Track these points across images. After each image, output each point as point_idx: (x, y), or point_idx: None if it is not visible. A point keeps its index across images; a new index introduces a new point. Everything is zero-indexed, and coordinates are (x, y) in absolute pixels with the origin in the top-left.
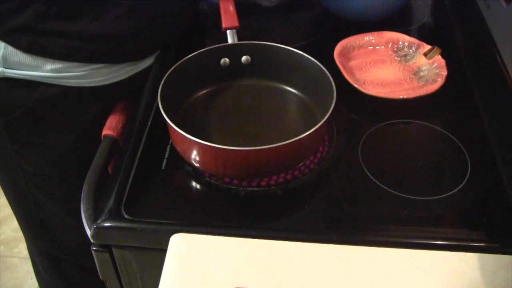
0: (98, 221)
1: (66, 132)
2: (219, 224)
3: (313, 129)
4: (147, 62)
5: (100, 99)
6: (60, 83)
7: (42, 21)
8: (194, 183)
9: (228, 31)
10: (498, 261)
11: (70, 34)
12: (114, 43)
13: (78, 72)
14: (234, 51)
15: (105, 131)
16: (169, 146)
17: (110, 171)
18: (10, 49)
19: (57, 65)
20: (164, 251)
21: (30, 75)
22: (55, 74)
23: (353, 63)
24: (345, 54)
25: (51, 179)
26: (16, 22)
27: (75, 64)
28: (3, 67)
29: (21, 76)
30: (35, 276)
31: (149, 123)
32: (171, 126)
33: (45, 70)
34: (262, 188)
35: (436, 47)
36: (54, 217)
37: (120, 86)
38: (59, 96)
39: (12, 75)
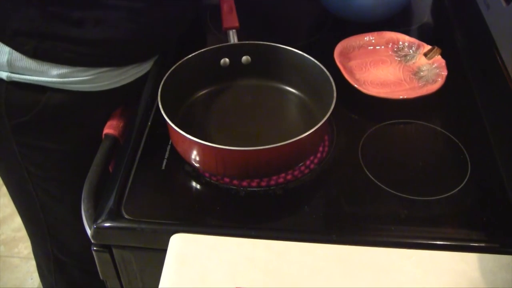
0: (98, 221)
1: (73, 136)
2: (219, 224)
3: (313, 129)
4: (152, 64)
5: (107, 103)
6: (66, 88)
7: (45, 26)
8: (194, 183)
9: (228, 31)
10: (498, 261)
11: (74, 39)
12: (117, 46)
13: (84, 76)
14: (234, 51)
15: (106, 130)
16: (169, 146)
17: (111, 170)
18: (16, 54)
19: (63, 70)
20: (164, 251)
21: (37, 80)
22: (61, 79)
23: (353, 63)
24: (345, 54)
25: (57, 182)
26: (18, 26)
27: (81, 68)
28: (10, 72)
29: (28, 81)
30: (40, 279)
31: (149, 123)
32: (171, 126)
33: (51, 75)
34: (262, 188)
35: (436, 47)
36: (60, 220)
37: (126, 89)
38: (67, 100)
39: (19, 80)
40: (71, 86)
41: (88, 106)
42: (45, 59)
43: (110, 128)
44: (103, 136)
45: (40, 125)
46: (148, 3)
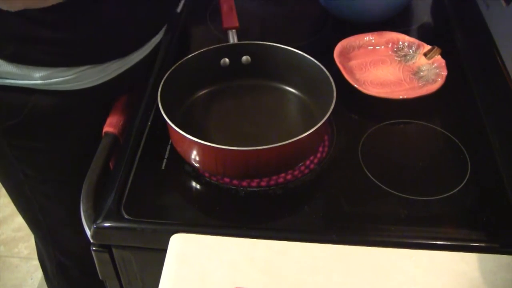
0: (98, 221)
1: (67, 135)
2: (219, 224)
3: (313, 129)
4: (136, 58)
5: (96, 100)
6: (51, 89)
7: (21, 30)
8: (194, 183)
9: (228, 31)
10: (498, 261)
11: (50, 41)
12: (94, 45)
13: (66, 76)
14: (234, 51)
15: (106, 128)
16: (169, 146)
17: (111, 168)
18: None
19: (44, 72)
20: (164, 251)
21: (21, 84)
22: (44, 81)
23: (353, 63)
24: (345, 54)
25: (56, 182)
26: None
27: (62, 68)
28: None
29: (12, 85)
30: (45, 281)
31: (149, 123)
32: (171, 126)
33: (34, 78)
34: (262, 188)
35: (436, 47)
36: (60, 222)
37: (113, 84)
38: (55, 101)
39: (3, 84)
40: (56, 87)
41: (78, 105)
42: (24, 63)
43: (110, 126)
44: (102, 134)
45: (32, 127)
46: (123, 3)
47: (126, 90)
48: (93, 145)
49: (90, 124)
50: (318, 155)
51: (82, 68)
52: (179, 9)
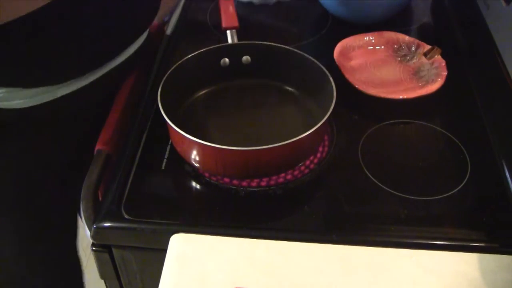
0: (98, 221)
1: (28, 156)
2: (219, 224)
3: (313, 129)
4: (62, 91)
5: (46, 119)
6: None
7: None
8: (194, 183)
9: (228, 31)
10: (498, 261)
11: None
12: (22, 69)
13: None
14: (234, 51)
15: (98, 146)
16: (169, 146)
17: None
18: None
19: None
20: (164, 251)
21: None
22: None
23: (353, 63)
24: (345, 54)
25: (51, 184)
26: None
27: None
28: None
29: None
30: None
31: (149, 123)
32: (171, 126)
33: None
34: (262, 188)
35: (436, 47)
36: (59, 222)
37: (63, 104)
38: (11, 116)
39: None
40: None
41: (32, 122)
42: None
43: (102, 144)
44: (95, 152)
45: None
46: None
47: (87, 111)
48: (62, 167)
49: (52, 147)
50: (318, 155)
51: (5, 89)
52: (169, 31)
